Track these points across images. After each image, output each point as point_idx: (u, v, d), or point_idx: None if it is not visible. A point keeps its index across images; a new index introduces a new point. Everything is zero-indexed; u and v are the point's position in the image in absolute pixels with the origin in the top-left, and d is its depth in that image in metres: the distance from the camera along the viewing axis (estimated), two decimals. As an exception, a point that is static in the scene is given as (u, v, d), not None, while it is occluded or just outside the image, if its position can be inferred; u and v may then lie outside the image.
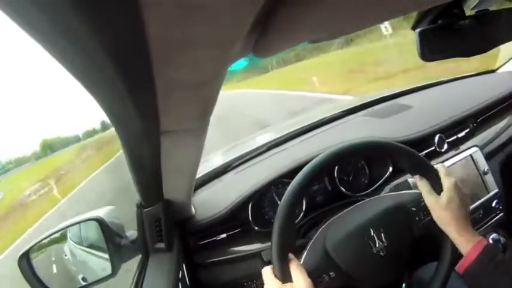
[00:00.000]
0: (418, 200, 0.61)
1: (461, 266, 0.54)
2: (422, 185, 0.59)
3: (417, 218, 0.60)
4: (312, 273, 0.53)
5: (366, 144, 0.59)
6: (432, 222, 0.58)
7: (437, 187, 0.58)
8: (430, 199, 0.58)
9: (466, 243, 0.55)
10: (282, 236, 0.52)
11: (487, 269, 0.52)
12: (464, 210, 0.56)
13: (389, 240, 0.57)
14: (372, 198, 0.66)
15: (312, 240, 0.61)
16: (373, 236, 0.56)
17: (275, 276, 0.52)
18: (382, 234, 0.57)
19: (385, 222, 0.58)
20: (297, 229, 0.84)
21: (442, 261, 0.59)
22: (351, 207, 0.64)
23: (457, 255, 0.58)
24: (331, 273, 0.56)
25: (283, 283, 0.51)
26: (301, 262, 0.59)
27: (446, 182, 0.57)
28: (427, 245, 0.62)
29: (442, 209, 0.56)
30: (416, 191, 0.62)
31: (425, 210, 0.59)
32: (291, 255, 0.54)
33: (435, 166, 0.60)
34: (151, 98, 0.28)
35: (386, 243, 0.56)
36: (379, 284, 0.58)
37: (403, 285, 0.62)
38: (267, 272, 0.53)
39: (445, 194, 0.57)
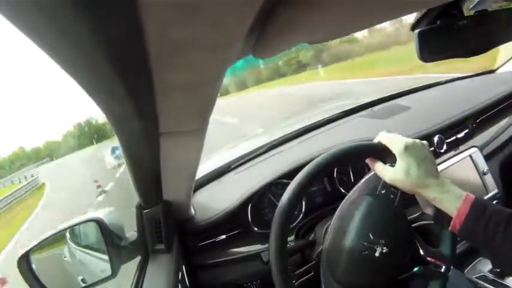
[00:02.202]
0: (380, 180, 0.57)
1: (453, 226, 0.50)
2: (373, 165, 0.55)
3: (392, 196, 0.55)
4: None
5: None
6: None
7: (389, 158, 0.53)
8: (387, 175, 0.52)
9: (451, 201, 0.50)
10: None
11: (480, 224, 0.48)
12: (428, 168, 0.51)
13: (382, 236, 0.54)
14: (340, 206, 0.61)
15: (322, 278, 0.59)
16: (368, 244, 0.54)
17: None
18: (374, 237, 0.54)
19: (368, 225, 0.55)
20: (296, 230, 0.84)
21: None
22: (330, 228, 0.61)
23: (455, 252, 0.56)
24: None
25: None
26: None
27: (396, 148, 0.52)
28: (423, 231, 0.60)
29: (403, 180, 0.50)
30: (371, 173, 0.59)
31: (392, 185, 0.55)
32: None
33: (376, 138, 0.57)
34: (150, 99, 0.28)
35: (383, 240, 0.54)
36: (399, 276, 0.55)
37: (416, 268, 0.58)
38: None
39: (399, 163, 0.51)
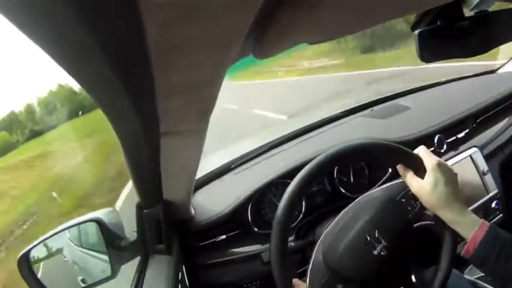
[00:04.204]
0: (404, 189, 0.58)
1: (467, 250, 0.51)
2: (404, 173, 0.56)
3: (409, 208, 0.57)
4: None
5: (368, 146, 0.58)
6: (425, 208, 0.56)
7: (420, 171, 0.55)
8: (414, 185, 0.54)
9: (467, 226, 0.52)
10: (282, 263, 0.52)
11: (493, 250, 0.49)
12: (453, 190, 0.53)
13: (386, 238, 0.55)
14: (359, 198, 0.64)
15: (312, 259, 0.61)
16: (371, 240, 0.55)
17: None
18: (379, 235, 0.55)
19: (378, 222, 0.57)
20: (296, 230, 0.84)
21: (442, 261, 0.58)
22: (341, 214, 0.63)
23: (456, 255, 0.57)
24: (339, 286, 0.56)
25: None
26: (307, 284, 0.58)
27: (429, 163, 0.54)
28: (429, 249, 0.61)
29: (428, 193, 0.52)
30: (400, 179, 0.60)
31: (415, 198, 0.56)
32: (295, 281, 0.53)
33: (416, 150, 0.58)
34: (150, 99, 0.28)
35: (385, 242, 0.55)
36: (389, 285, 0.57)
37: None
38: None
39: (428, 176, 0.53)
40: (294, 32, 0.26)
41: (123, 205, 3.71)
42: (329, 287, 0.56)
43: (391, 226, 0.57)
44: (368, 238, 0.55)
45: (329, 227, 0.62)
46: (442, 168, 0.53)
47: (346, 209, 0.63)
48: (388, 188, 0.61)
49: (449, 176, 0.53)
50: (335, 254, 0.57)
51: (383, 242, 0.55)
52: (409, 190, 0.57)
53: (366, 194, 0.64)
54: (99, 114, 0.29)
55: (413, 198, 0.57)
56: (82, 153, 7.77)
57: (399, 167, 0.57)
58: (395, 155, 0.58)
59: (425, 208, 0.55)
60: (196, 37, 0.21)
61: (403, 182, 0.58)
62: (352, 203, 0.64)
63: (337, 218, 0.63)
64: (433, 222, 0.58)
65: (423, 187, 0.53)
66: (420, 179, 0.54)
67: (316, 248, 0.62)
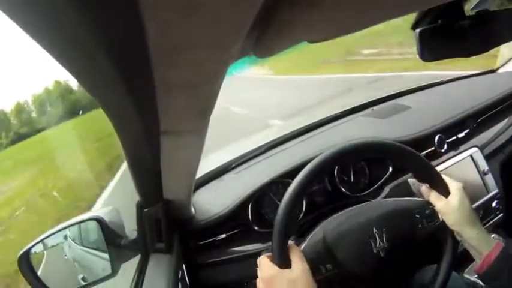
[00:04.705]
0: (423, 207, 0.61)
1: (480, 267, 0.56)
2: (429, 191, 0.60)
3: (420, 225, 0.60)
4: (309, 262, 0.53)
5: (369, 145, 0.59)
6: (437, 228, 0.59)
7: (443, 191, 0.59)
8: (440, 203, 0.59)
9: (484, 243, 0.56)
10: (285, 222, 0.52)
11: (505, 270, 0.54)
12: (473, 211, 0.59)
13: (390, 241, 0.56)
14: (377, 200, 0.66)
15: (313, 232, 0.61)
16: (375, 235, 0.56)
17: (273, 262, 0.52)
18: (384, 235, 0.57)
19: (388, 224, 0.58)
20: (297, 229, 0.84)
21: (443, 263, 0.59)
22: (356, 206, 0.64)
23: (456, 257, 0.58)
24: (328, 266, 0.56)
25: (280, 268, 0.51)
26: (301, 249, 0.59)
27: (454, 185, 0.59)
28: (426, 248, 0.62)
29: (455, 211, 0.57)
30: (420, 199, 0.63)
31: (429, 218, 0.60)
32: (291, 242, 0.54)
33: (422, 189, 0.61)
34: (151, 98, 0.28)
35: (387, 244, 0.56)
36: (374, 284, 0.58)
37: None
38: (264, 260, 0.53)
39: (455, 196, 0.58)
40: (295, 30, 0.26)
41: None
42: (319, 261, 0.57)
43: (398, 233, 0.59)
44: (374, 231, 0.57)
45: (340, 213, 0.64)
46: (464, 192, 0.59)
47: (362, 204, 0.65)
48: (407, 201, 0.64)
49: (468, 200, 0.59)
50: (335, 234, 0.58)
51: (385, 243, 0.56)
52: (427, 210, 0.60)
53: (386, 199, 0.67)
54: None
55: (428, 218, 0.60)
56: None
57: (424, 188, 0.61)
58: (422, 171, 0.61)
59: (438, 229, 0.59)
60: (197, 35, 0.21)
61: (423, 202, 0.61)
62: (370, 201, 0.66)
63: (350, 208, 0.64)
64: (437, 235, 0.59)
65: (450, 205, 0.58)
66: (444, 198, 0.59)
67: (321, 224, 0.63)
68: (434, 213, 0.60)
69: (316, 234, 0.61)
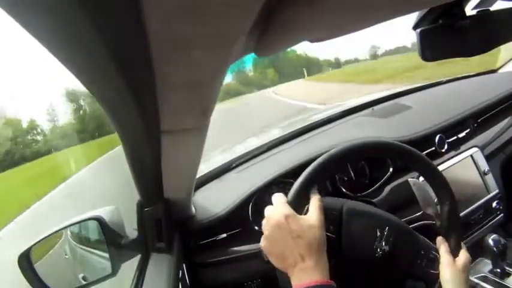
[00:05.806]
0: (430, 250, 0.59)
1: None
2: (441, 243, 0.58)
3: (419, 262, 0.58)
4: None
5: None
6: (431, 275, 0.57)
7: (455, 247, 0.57)
8: (447, 258, 0.56)
9: None
10: (315, 171, 0.50)
11: None
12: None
13: (391, 250, 0.55)
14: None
15: (335, 199, 0.60)
16: (384, 233, 0.55)
17: (288, 203, 0.49)
18: (391, 239, 0.55)
19: (398, 235, 0.56)
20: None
21: None
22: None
23: None
24: (329, 232, 0.54)
25: (296, 211, 0.47)
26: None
27: (462, 255, 0.57)
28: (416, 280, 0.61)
29: (458, 271, 0.55)
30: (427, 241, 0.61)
31: (430, 263, 0.58)
32: (315, 190, 0.50)
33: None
34: (151, 97, 0.28)
35: (387, 249, 0.55)
36: (356, 277, 0.57)
37: None
38: (279, 197, 0.50)
39: (463, 258, 0.56)
40: (296, 30, 0.26)
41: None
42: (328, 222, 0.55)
43: (402, 251, 0.57)
44: (385, 230, 0.55)
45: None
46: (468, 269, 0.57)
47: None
48: (422, 237, 0.62)
49: (467, 276, 0.57)
50: (353, 209, 0.56)
51: (385, 247, 0.55)
52: (431, 254, 0.58)
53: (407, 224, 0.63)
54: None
55: (429, 261, 0.58)
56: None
57: (439, 238, 0.59)
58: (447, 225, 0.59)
59: (432, 275, 0.57)
60: (198, 34, 0.21)
61: (434, 246, 0.59)
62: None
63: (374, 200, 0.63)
64: (433, 222, 0.58)
65: (456, 264, 0.55)
66: (452, 258, 0.56)
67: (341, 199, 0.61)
68: (436, 262, 0.58)
69: (335, 203, 0.59)
